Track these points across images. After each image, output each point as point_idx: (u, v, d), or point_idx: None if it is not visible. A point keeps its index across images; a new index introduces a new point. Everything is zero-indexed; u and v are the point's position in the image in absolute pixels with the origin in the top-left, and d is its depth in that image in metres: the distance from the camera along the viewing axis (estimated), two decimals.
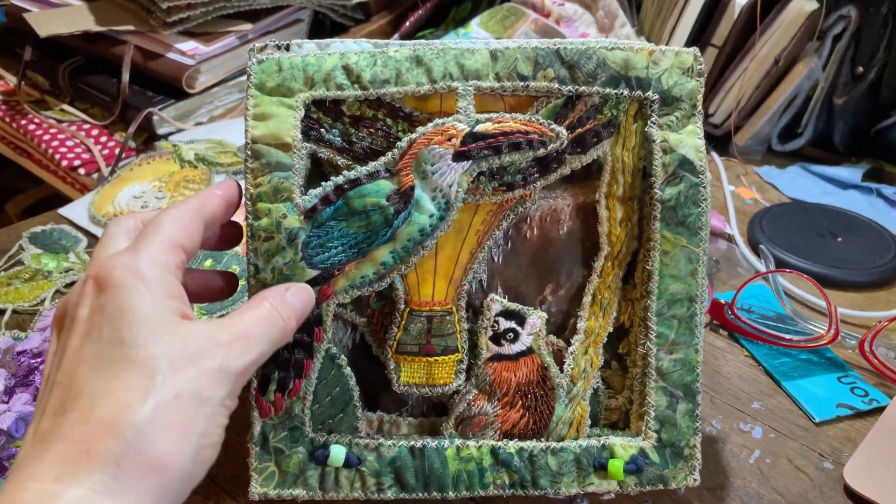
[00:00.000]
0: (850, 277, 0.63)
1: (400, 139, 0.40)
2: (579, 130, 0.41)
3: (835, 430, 0.50)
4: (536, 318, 0.42)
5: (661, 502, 0.44)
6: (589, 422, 0.42)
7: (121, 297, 0.31)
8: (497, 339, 0.42)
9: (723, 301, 0.58)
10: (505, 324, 0.41)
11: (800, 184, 0.80)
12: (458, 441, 0.41)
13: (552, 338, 0.43)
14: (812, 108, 0.82)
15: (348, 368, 0.41)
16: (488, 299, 0.42)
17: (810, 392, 0.52)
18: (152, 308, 0.31)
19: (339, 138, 0.40)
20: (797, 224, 0.70)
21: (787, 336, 0.56)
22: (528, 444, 0.41)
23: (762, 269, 0.65)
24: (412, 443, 0.40)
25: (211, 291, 0.42)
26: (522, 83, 0.40)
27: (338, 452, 0.40)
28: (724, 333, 0.58)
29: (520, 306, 0.42)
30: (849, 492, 0.45)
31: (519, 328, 0.41)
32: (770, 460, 0.47)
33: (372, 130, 0.40)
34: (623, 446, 0.41)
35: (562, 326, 0.44)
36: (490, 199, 0.41)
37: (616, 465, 0.40)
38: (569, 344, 0.43)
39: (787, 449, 0.48)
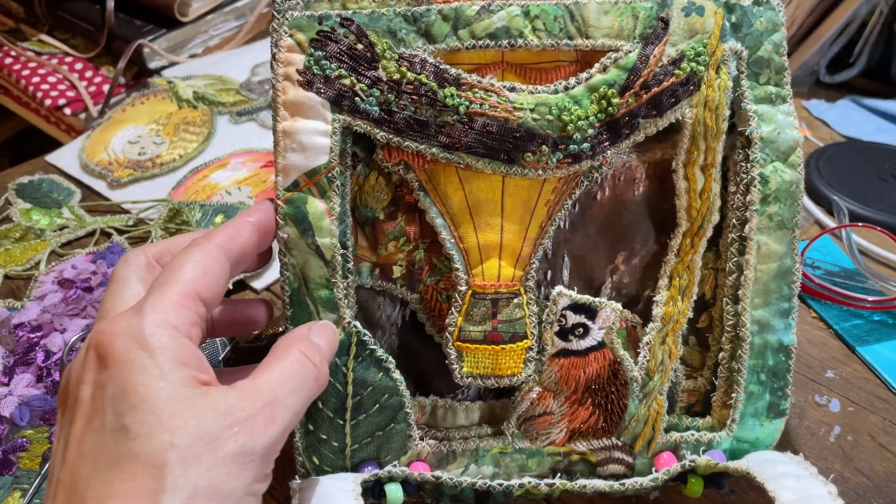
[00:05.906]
0: None
1: (448, 106, 0.34)
2: (655, 90, 0.35)
3: None
4: (610, 311, 0.36)
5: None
6: (665, 417, 0.38)
7: (123, 375, 0.26)
8: (564, 334, 0.36)
9: None
10: (573, 318, 0.36)
11: (852, 119, 0.74)
12: (528, 483, 0.36)
13: (626, 313, 0.38)
14: (868, 35, 0.75)
15: (397, 372, 0.36)
16: (555, 293, 0.36)
17: (888, 358, 0.48)
18: (160, 384, 0.26)
19: (376, 108, 0.34)
20: (855, 166, 0.65)
21: (858, 295, 0.51)
22: (601, 484, 0.36)
23: (822, 217, 0.60)
24: (477, 482, 0.35)
25: (242, 325, 0.37)
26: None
27: (394, 492, 0.35)
28: None
29: (590, 299, 0.36)
30: None
31: (589, 322, 0.36)
32: (852, 438, 0.43)
33: (415, 97, 0.34)
34: (707, 466, 0.36)
35: (635, 299, 0.39)
36: (554, 174, 0.35)
37: (695, 484, 0.37)
38: (644, 322, 0.38)
39: (868, 424, 0.44)
